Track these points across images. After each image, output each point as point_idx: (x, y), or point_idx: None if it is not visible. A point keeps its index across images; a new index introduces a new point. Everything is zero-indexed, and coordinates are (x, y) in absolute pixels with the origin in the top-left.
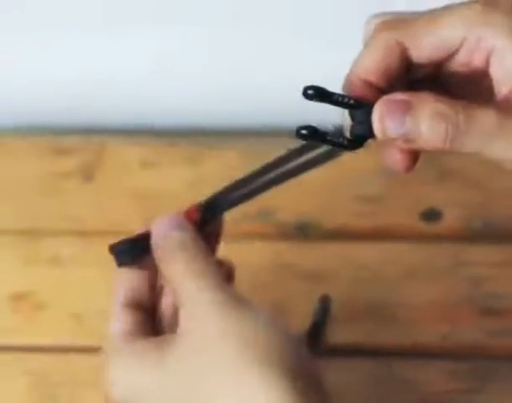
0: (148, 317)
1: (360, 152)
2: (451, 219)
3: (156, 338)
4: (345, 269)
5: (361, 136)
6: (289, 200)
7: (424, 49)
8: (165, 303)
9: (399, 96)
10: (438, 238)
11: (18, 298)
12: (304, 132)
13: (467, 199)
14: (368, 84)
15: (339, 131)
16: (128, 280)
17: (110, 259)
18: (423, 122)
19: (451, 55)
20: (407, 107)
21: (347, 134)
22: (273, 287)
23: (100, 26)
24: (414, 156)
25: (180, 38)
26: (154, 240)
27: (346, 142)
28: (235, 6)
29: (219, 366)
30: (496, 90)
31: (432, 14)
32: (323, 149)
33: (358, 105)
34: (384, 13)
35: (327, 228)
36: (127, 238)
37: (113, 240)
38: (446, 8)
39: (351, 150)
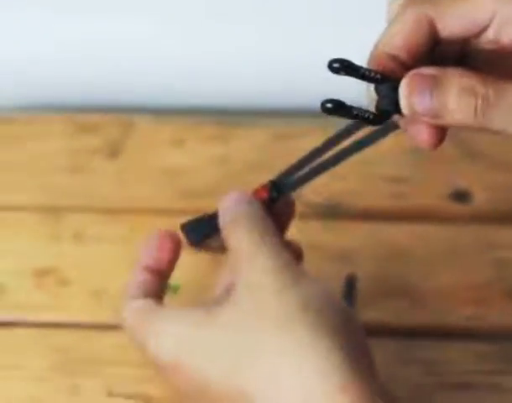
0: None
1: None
2: (480, 200)
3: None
4: (373, 249)
5: (387, 111)
6: (318, 180)
7: (453, 25)
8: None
9: (426, 70)
10: (467, 219)
11: (42, 274)
12: (329, 105)
13: (497, 180)
14: (395, 59)
15: (365, 106)
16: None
17: (133, 237)
18: (451, 97)
19: (480, 32)
20: (435, 82)
21: (373, 109)
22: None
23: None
24: (441, 132)
25: (210, 18)
26: (222, 214)
27: (371, 116)
28: None
29: (270, 326)
30: None
31: None
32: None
33: (385, 80)
34: None
35: (356, 209)
36: (196, 217)
37: (136, 217)
38: None
39: (376, 125)
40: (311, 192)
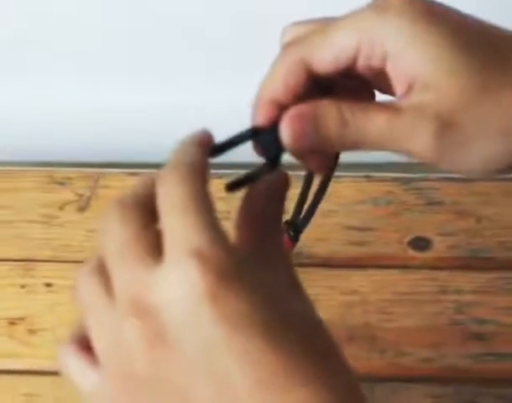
0: None
1: (352, 184)
2: (438, 247)
3: None
4: (334, 295)
5: (275, 155)
6: None
7: (325, 61)
8: None
9: (301, 108)
10: (426, 265)
11: (15, 323)
12: (230, 187)
13: (455, 228)
14: (278, 103)
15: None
16: None
17: None
18: (329, 129)
19: (353, 62)
20: (313, 119)
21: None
22: None
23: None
24: (331, 156)
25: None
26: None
27: (264, 168)
28: None
29: None
30: (395, 90)
31: (330, 25)
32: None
33: (258, 130)
34: (300, 22)
35: (318, 256)
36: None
37: None
38: (343, 17)
39: (271, 171)
40: None
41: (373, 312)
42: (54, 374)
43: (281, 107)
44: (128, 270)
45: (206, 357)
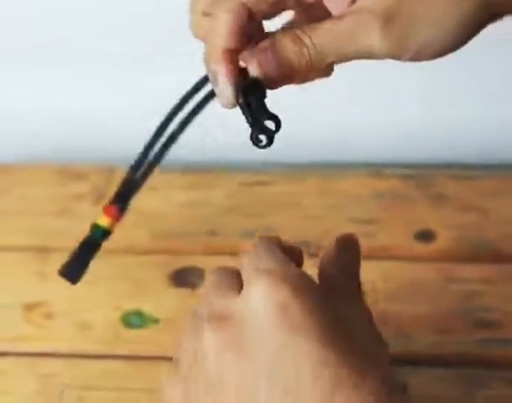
0: None
1: (359, 180)
2: (443, 240)
3: None
4: None
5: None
6: (292, 222)
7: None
8: None
9: (261, 44)
10: (431, 256)
11: (31, 308)
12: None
13: (459, 221)
14: (232, 51)
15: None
16: None
17: (113, 274)
18: (288, 50)
19: None
20: (271, 45)
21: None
22: None
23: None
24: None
25: None
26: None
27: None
28: None
29: None
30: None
31: None
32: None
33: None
34: None
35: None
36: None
37: (117, 256)
38: None
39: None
40: (286, 233)
41: (381, 300)
42: (70, 356)
43: (235, 55)
44: (216, 299)
45: (273, 361)
